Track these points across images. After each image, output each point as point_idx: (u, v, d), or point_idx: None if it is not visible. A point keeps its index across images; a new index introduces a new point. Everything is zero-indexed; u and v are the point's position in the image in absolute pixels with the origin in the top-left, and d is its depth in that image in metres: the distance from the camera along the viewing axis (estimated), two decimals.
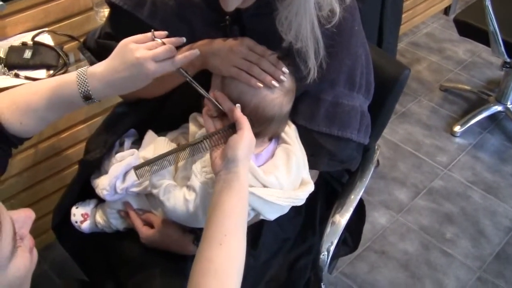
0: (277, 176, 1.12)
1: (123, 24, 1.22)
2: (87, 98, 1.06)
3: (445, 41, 3.60)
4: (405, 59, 3.38)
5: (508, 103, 2.90)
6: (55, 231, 1.44)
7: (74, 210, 1.34)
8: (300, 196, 1.16)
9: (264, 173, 1.11)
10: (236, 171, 1.00)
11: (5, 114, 1.05)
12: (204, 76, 1.15)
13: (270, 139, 1.19)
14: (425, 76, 3.27)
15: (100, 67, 1.06)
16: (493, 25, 2.46)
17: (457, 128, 2.86)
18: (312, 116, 1.20)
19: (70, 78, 1.06)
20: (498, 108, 2.92)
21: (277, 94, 1.12)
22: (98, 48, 1.26)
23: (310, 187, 1.18)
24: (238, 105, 1.07)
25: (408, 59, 3.40)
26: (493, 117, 2.96)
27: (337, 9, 1.07)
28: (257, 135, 1.14)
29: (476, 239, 2.33)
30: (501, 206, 2.49)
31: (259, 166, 1.13)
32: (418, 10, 3.49)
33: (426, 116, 2.99)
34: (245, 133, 1.03)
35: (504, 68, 2.80)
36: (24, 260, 0.75)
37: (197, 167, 1.10)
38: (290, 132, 1.20)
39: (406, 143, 2.81)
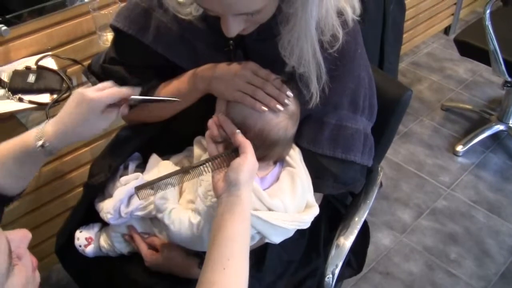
0: (282, 199, 1.12)
1: (127, 49, 1.23)
2: (41, 145, 1.07)
3: (446, 60, 3.61)
4: (406, 79, 3.40)
5: (510, 122, 2.90)
6: (58, 255, 1.43)
7: (78, 234, 1.33)
8: (305, 220, 1.16)
9: (270, 196, 1.11)
10: (239, 195, 1.00)
11: None
12: (209, 101, 1.16)
13: (275, 163, 1.19)
14: (427, 95, 3.28)
15: (56, 117, 1.11)
16: (494, 44, 2.47)
17: (460, 148, 2.86)
18: (316, 139, 1.21)
19: (30, 131, 1.10)
20: (500, 127, 2.92)
21: (282, 117, 1.12)
22: (103, 72, 1.27)
23: (315, 210, 1.18)
24: (238, 131, 1.07)
25: (409, 79, 3.41)
26: (495, 136, 2.96)
27: (340, 33, 1.08)
28: (262, 158, 1.15)
29: (480, 259, 2.32)
30: (504, 225, 2.48)
31: (264, 190, 1.12)
32: (419, 30, 3.52)
33: (428, 136, 2.99)
34: (248, 157, 1.03)
35: (505, 87, 2.81)
36: (21, 279, 0.76)
37: (202, 190, 1.10)
38: (295, 155, 1.20)
39: (409, 163, 2.80)
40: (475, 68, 3.50)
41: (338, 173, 1.23)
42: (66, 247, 1.38)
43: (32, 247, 1.97)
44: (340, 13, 1.09)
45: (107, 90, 1.08)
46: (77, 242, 1.33)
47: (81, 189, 1.93)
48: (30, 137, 1.08)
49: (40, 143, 1.07)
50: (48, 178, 1.92)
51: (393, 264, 2.29)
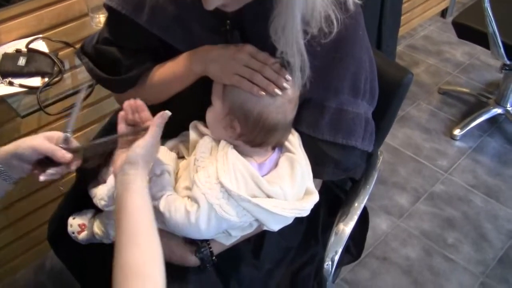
0: (281, 186, 1.09)
1: (121, 29, 1.19)
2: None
3: (443, 43, 3.58)
4: (403, 62, 3.36)
5: (508, 105, 2.88)
6: (51, 242, 1.41)
7: (71, 220, 1.31)
8: (305, 207, 1.13)
9: (268, 183, 1.08)
10: (133, 173, 0.99)
11: None
12: (205, 84, 1.13)
13: (273, 148, 1.16)
14: (424, 79, 3.25)
15: None
16: (493, 27, 2.44)
17: (457, 132, 2.84)
18: (316, 124, 1.17)
19: None
20: (498, 110, 2.89)
21: (281, 102, 1.09)
22: (96, 53, 1.23)
23: (315, 197, 1.15)
24: (162, 112, 1.04)
25: (406, 62, 3.38)
26: (493, 120, 2.94)
27: (338, 18, 1.04)
28: (260, 144, 1.12)
29: (478, 244, 2.30)
30: (502, 209, 2.46)
31: (262, 176, 1.10)
32: (415, 12, 3.48)
33: (426, 120, 2.96)
34: (147, 137, 1.02)
35: (503, 71, 2.78)
36: None
37: (199, 177, 1.07)
38: (294, 140, 1.17)
39: (406, 148, 2.78)
40: (472, 51, 3.47)
41: (338, 159, 1.20)
42: (58, 234, 1.36)
43: (25, 234, 1.97)
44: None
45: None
46: (70, 229, 1.30)
47: (74, 174, 1.92)
48: None
49: None
50: None
51: (390, 249, 2.27)
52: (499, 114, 2.92)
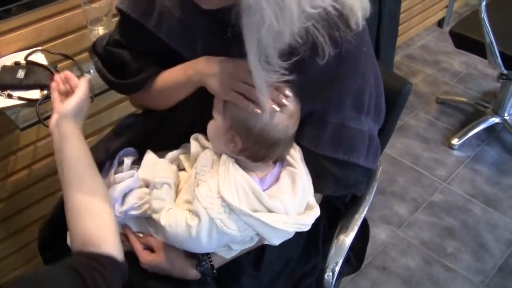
0: (282, 200, 1.09)
1: (131, 32, 1.21)
2: None
3: (440, 53, 3.59)
4: (401, 72, 3.37)
5: (506, 114, 2.89)
6: (41, 250, 1.40)
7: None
8: (306, 222, 1.13)
9: (270, 197, 1.08)
10: (64, 123, 1.10)
11: None
12: (205, 97, 1.13)
13: (274, 162, 1.16)
14: (421, 89, 3.26)
15: None
16: (489, 37, 2.45)
17: (455, 141, 2.84)
18: (317, 138, 1.17)
19: None
20: (496, 120, 2.90)
21: (282, 117, 1.08)
22: (105, 54, 1.26)
23: (316, 212, 1.15)
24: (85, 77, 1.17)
25: (403, 72, 3.39)
26: (490, 129, 2.94)
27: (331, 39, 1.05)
28: (262, 159, 1.12)
29: (477, 253, 2.30)
30: (501, 218, 2.46)
31: (264, 191, 1.09)
32: (413, 22, 3.50)
33: (424, 129, 2.97)
34: (77, 93, 1.14)
35: (500, 80, 2.80)
36: None
37: (200, 191, 1.07)
38: (295, 154, 1.17)
39: (405, 157, 2.78)
40: (469, 61, 3.48)
41: (339, 175, 1.19)
42: (52, 245, 1.34)
43: (20, 248, 1.95)
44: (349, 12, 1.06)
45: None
46: (69, 241, 1.29)
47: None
48: None
49: None
50: (39, 175, 1.88)
51: (390, 259, 2.27)
52: (497, 123, 2.92)
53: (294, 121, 1.12)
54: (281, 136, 1.10)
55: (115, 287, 0.94)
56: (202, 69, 1.11)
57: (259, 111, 1.05)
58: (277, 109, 1.06)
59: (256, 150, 1.09)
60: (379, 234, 2.37)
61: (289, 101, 1.08)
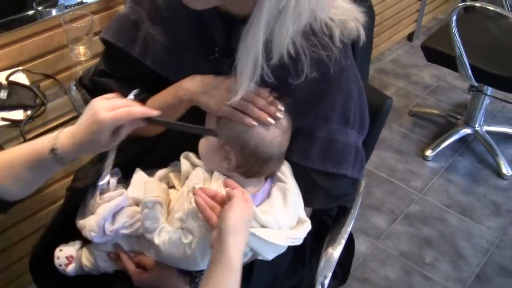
0: (274, 216, 1.11)
1: (116, 61, 1.21)
2: (53, 150, 1.02)
3: (411, 66, 3.67)
4: (374, 85, 3.42)
5: (476, 125, 2.96)
6: (33, 273, 1.38)
7: (57, 253, 1.28)
8: (299, 236, 1.15)
9: (262, 213, 1.09)
10: (226, 241, 0.96)
11: None
12: (196, 116, 1.14)
13: (266, 178, 1.18)
14: (394, 102, 3.26)
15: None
16: (460, 50, 2.52)
17: (429, 152, 2.90)
18: (306, 153, 1.19)
19: (44, 137, 1.05)
20: (467, 131, 2.97)
21: (276, 133, 1.11)
22: (92, 85, 1.25)
23: (308, 226, 1.17)
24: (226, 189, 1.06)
25: (376, 86, 3.42)
26: (462, 140, 3.01)
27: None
28: (255, 175, 1.14)
29: (455, 262, 2.35)
30: (476, 227, 2.52)
31: (256, 206, 1.11)
32: (383, 37, 3.56)
33: (398, 142, 3.02)
34: (235, 202, 1.01)
35: (471, 92, 2.88)
36: None
37: (193, 209, 1.08)
38: (285, 170, 1.19)
39: (380, 169, 2.83)
40: (439, 74, 3.56)
41: (328, 187, 1.22)
42: (41, 264, 1.33)
43: (3, 269, 1.92)
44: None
45: (120, 111, 1.01)
46: (57, 262, 1.28)
47: (55, 205, 1.90)
48: (43, 144, 1.03)
49: (52, 152, 1.02)
50: None
51: (370, 270, 2.30)
52: (468, 134, 3.00)
53: (287, 136, 1.14)
54: (275, 152, 1.12)
55: None
56: (192, 88, 1.13)
57: (254, 123, 1.08)
58: (272, 121, 1.09)
59: (250, 166, 1.11)
60: (358, 246, 2.39)
61: (282, 115, 1.10)
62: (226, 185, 1.08)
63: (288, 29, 0.99)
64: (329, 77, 1.12)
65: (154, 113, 1.03)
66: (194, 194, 1.06)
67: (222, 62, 1.14)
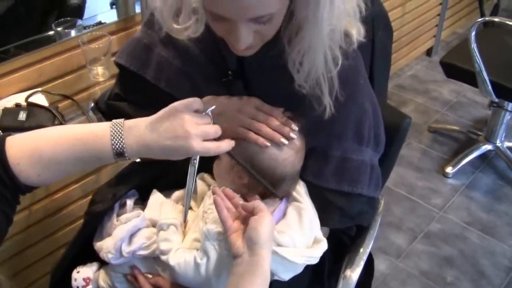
0: (291, 235, 1.10)
1: (130, 85, 1.22)
2: (119, 154, 0.97)
3: (430, 82, 3.64)
4: (392, 102, 3.41)
5: (498, 141, 2.92)
6: None
7: (75, 274, 1.29)
8: (314, 255, 1.14)
9: (278, 233, 1.09)
10: (261, 253, 0.98)
11: (22, 165, 0.95)
12: None
13: (281, 198, 1.17)
14: (413, 118, 3.25)
15: (140, 124, 0.98)
16: (480, 66, 2.49)
17: (449, 169, 2.87)
18: (321, 172, 1.19)
19: (101, 130, 0.97)
20: (488, 147, 2.94)
21: (289, 153, 1.11)
22: (108, 109, 1.26)
23: (324, 245, 1.16)
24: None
25: (395, 101, 3.42)
26: (483, 156, 2.97)
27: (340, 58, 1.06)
28: (269, 195, 1.13)
29: (477, 281, 2.31)
30: (498, 245, 2.48)
31: None
32: (402, 53, 3.55)
33: (417, 159, 2.99)
34: (266, 215, 1.01)
35: (491, 107, 2.84)
36: None
37: (208, 229, 1.07)
38: (300, 189, 1.18)
39: (399, 187, 2.80)
40: (459, 89, 3.53)
41: (344, 207, 1.21)
42: (61, 285, 1.34)
43: (28, 285, 1.93)
44: (345, 35, 1.07)
45: (211, 146, 0.99)
46: (74, 283, 1.28)
47: (72, 226, 1.91)
48: (106, 145, 0.96)
49: (117, 155, 0.97)
50: (38, 217, 1.87)
51: None
52: (489, 150, 2.96)
53: (300, 156, 1.14)
54: (288, 172, 1.12)
55: None
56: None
57: (268, 143, 1.08)
58: (285, 142, 1.08)
59: (263, 186, 1.10)
60: (378, 265, 2.36)
61: (296, 135, 1.10)
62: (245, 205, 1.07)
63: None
64: (343, 92, 1.11)
65: (232, 144, 1.03)
66: (213, 193, 1.06)
67: (235, 84, 1.15)
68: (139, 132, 0.97)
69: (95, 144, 0.97)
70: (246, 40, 0.96)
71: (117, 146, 0.96)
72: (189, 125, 0.96)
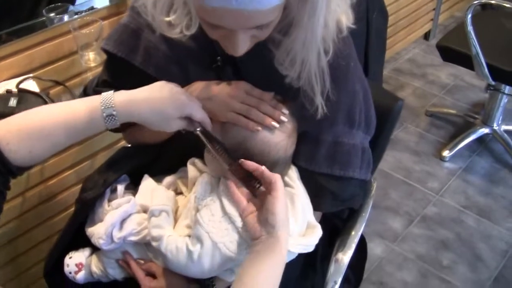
0: None
1: (118, 71, 1.21)
2: (109, 116, 0.99)
3: (427, 66, 3.63)
4: (389, 86, 3.40)
5: (495, 125, 2.91)
6: (47, 280, 1.39)
7: (67, 260, 1.28)
8: (311, 242, 1.13)
9: None
10: (278, 236, 0.98)
11: (11, 145, 0.94)
12: None
13: None
14: (410, 102, 3.28)
15: (131, 91, 1.04)
16: (476, 49, 2.48)
17: (446, 153, 2.86)
18: (313, 157, 1.18)
19: (91, 97, 1.02)
20: (485, 130, 2.93)
21: (281, 137, 1.10)
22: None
23: (319, 231, 1.15)
24: (264, 167, 1.03)
25: (392, 85, 3.41)
26: (480, 140, 2.97)
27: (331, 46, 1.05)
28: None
29: (473, 264, 2.31)
30: (495, 229, 2.48)
31: None
32: (399, 36, 3.53)
33: (414, 143, 2.99)
34: (280, 195, 1.00)
35: (488, 91, 2.83)
36: None
37: (202, 216, 1.07)
38: (292, 174, 1.17)
39: (396, 171, 2.80)
40: (456, 73, 3.52)
41: (336, 191, 1.20)
42: (55, 271, 1.34)
43: (18, 274, 1.94)
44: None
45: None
46: (66, 269, 1.28)
47: (66, 212, 1.90)
48: (96, 105, 0.99)
49: (109, 118, 1.00)
50: (32, 203, 1.87)
51: (386, 274, 2.27)
52: (486, 134, 2.95)
53: (292, 140, 1.13)
54: (280, 156, 1.11)
55: None
56: (196, 94, 1.12)
57: (259, 128, 1.08)
58: (276, 125, 1.08)
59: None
60: (374, 249, 2.37)
61: (287, 118, 1.09)
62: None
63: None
64: (334, 79, 1.10)
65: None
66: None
67: (225, 70, 1.14)
68: (130, 92, 1.03)
69: (84, 107, 1.00)
70: (243, 47, 0.97)
71: (106, 103, 0.99)
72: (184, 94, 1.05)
